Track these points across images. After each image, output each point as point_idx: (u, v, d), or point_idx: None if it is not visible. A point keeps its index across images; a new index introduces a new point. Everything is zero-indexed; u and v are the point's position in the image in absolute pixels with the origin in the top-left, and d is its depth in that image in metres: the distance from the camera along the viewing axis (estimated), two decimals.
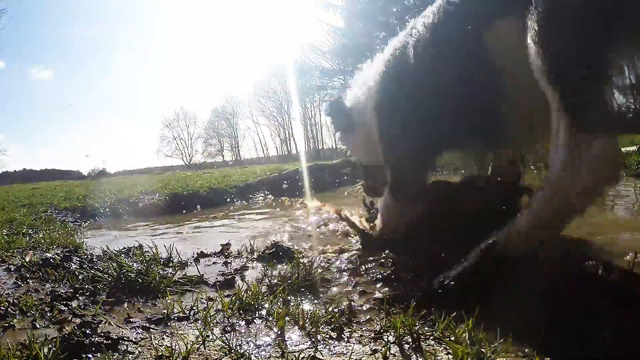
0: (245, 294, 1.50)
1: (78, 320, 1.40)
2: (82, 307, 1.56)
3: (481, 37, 1.56)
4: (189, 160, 51.05)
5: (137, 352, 1.18)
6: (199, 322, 1.36)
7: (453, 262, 1.69)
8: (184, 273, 1.95)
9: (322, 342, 1.17)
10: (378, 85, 2.14)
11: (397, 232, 2.24)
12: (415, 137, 1.97)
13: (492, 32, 1.53)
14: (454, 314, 1.18)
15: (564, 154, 1.18)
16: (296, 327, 1.28)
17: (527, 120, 1.62)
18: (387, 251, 2.09)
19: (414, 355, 1.06)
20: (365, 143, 2.42)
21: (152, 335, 1.28)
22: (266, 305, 1.45)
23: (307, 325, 1.27)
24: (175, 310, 1.45)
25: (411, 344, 1.11)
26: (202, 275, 1.89)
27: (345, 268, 1.91)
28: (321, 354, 1.10)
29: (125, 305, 1.59)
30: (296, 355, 1.07)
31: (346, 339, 1.18)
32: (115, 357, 1.14)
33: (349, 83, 2.69)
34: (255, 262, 2.16)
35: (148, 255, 2.16)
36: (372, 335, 1.19)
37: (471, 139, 1.87)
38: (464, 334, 1.07)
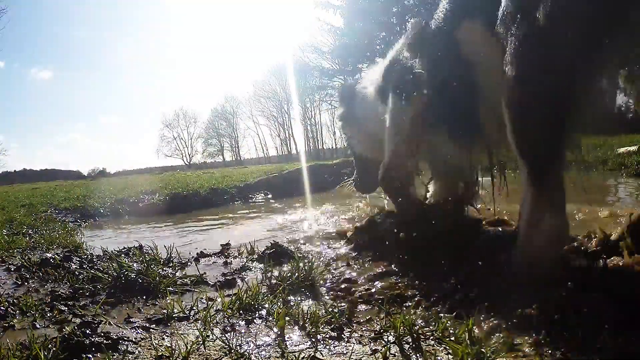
0: (245, 294, 1.50)
1: (78, 320, 1.40)
2: (82, 307, 1.56)
3: (455, 37, 1.68)
4: (189, 160, 51.13)
5: (137, 352, 1.18)
6: (199, 322, 1.36)
7: (452, 264, 1.69)
8: (184, 273, 1.95)
9: (322, 342, 1.17)
10: (384, 78, 2.22)
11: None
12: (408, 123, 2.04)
13: (463, 32, 1.66)
14: (454, 314, 1.18)
15: (526, 225, 1.46)
16: (296, 327, 1.28)
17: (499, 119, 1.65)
18: (388, 250, 2.09)
19: (414, 355, 1.06)
20: (367, 134, 2.45)
21: (152, 335, 1.28)
22: (266, 305, 1.45)
23: (307, 325, 1.27)
24: (175, 310, 1.45)
25: (411, 344, 1.11)
26: (202, 275, 1.89)
27: (346, 268, 1.91)
28: (321, 354, 1.10)
29: (125, 305, 1.59)
30: (296, 355, 1.07)
31: (346, 339, 1.18)
32: (115, 357, 1.14)
33: (359, 77, 2.67)
34: (255, 262, 2.16)
35: (148, 256, 2.16)
36: (372, 335, 1.19)
37: (456, 132, 1.91)
38: (464, 334, 1.07)
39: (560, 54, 1.28)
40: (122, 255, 2.28)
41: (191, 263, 2.20)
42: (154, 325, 1.37)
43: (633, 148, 5.97)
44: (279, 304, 1.46)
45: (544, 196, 1.39)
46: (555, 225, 1.38)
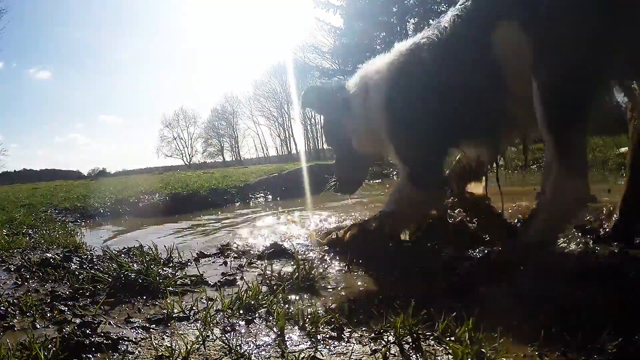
0: (245, 294, 1.50)
1: (78, 320, 1.40)
2: (82, 307, 1.56)
3: (487, 38, 1.75)
4: (189, 160, 51.18)
5: (137, 352, 1.17)
6: (199, 322, 1.36)
7: (457, 262, 1.70)
8: (184, 273, 1.95)
9: (322, 342, 1.17)
10: (389, 78, 2.14)
11: (410, 226, 2.24)
12: (431, 128, 2.02)
13: (496, 33, 1.73)
14: (454, 314, 1.18)
15: (552, 189, 1.66)
16: (296, 327, 1.28)
17: (527, 110, 1.77)
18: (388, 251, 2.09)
19: (414, 355, 1.06)
20: (365, 132, 2.34)
21: (152, 335, 1.28)
22: (266, 305, 1.45)
23: (307, 325, 1.27)
24: (175, 310, 1.45)
25: (411, 344, 1.11)
26: (202, 275, 1.89)
27: (346, 268, 1.91)
28: (321, 354, 1.10)
29: (125, 305, 1.59)
30: (296, 355, 1.07)
31: (346, 339, 1.18)
32: (115, 357, 1.14)
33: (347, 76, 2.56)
34: (255, 262, 2.16)
35: (148, 256, 2.16)
36: (372, 335, 1.19)
37: (481, 128, 1.98)
38: (464, 334, 1.07)
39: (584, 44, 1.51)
40: (122, 255, 2.28)
41: (191, 263, 2.20)
42: (154, 325, 1.37)
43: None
44: (279, 304, 1.46)
45: (570, 162, 1.59)
46: (579, 187, 1.61)
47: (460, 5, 1.87)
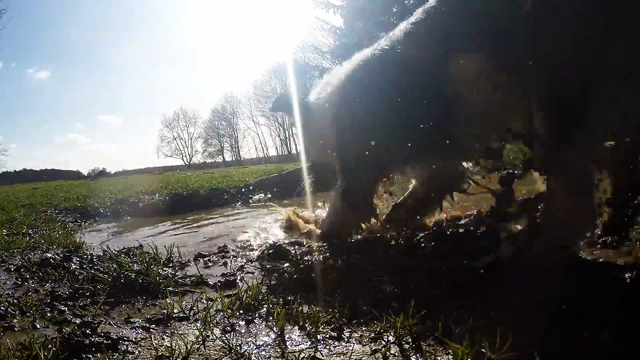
0: (245, 294, 1.50)
1: (78, 320, 1.40)
2: (82, 307, 1.56)
3: (443, 67, 1.72)
4: (189, 161, 51.21)
5: (137, 352, 1.18)
6: (199, 322, 1.36)
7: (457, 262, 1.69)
8: (184, 273, 1.95)
9: (322, 342, 1.17)
10: (340, 91, 2.18)
11: (344, 235, 2.31)
12: (372, 148, 2.04)
13: (455, 63, 1.70)
14: (454, 314, 1.18)
15: (559, 211, 1.58)
16: (296, 327, 1.28)
17: (478, 137, 1.84)
18: (389, 251, 2.09)
19: (414, 355, 1.06)
20: (320, 143, 2.44)
21: (152, 335, 1.28)
22: (266, 305, 1.45)
23: (307, 325, 1.27)
24: (175, 311, 1.45)
25: (411, 344, 1.11)
26: (202, 275, 1.89)
27: (345, 268, 1.91)
28: (321, 354, 1.10)
29: (125, 305, 1.59)
30: (296, 355, 1.07)
31: (346, 339, 1.18)
32: (115, 357, 1.14)
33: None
34: (255, 262, 2.16)
35: (148, 256, 2.16)
36: (372, 335, 1.19)
37: (426, 154, 2.01)
38: (464, 334, 1.07)
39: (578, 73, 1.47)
40: (122, 255, 2.28)
41: (191, 263, 2.20)
42: (154, 325, 1.37)
43: None
44: (279, 304, 1.46)
45: (578, 185, 1.53)
46: (585, 210, 1.54)
47: (414, 19, 1.84)
